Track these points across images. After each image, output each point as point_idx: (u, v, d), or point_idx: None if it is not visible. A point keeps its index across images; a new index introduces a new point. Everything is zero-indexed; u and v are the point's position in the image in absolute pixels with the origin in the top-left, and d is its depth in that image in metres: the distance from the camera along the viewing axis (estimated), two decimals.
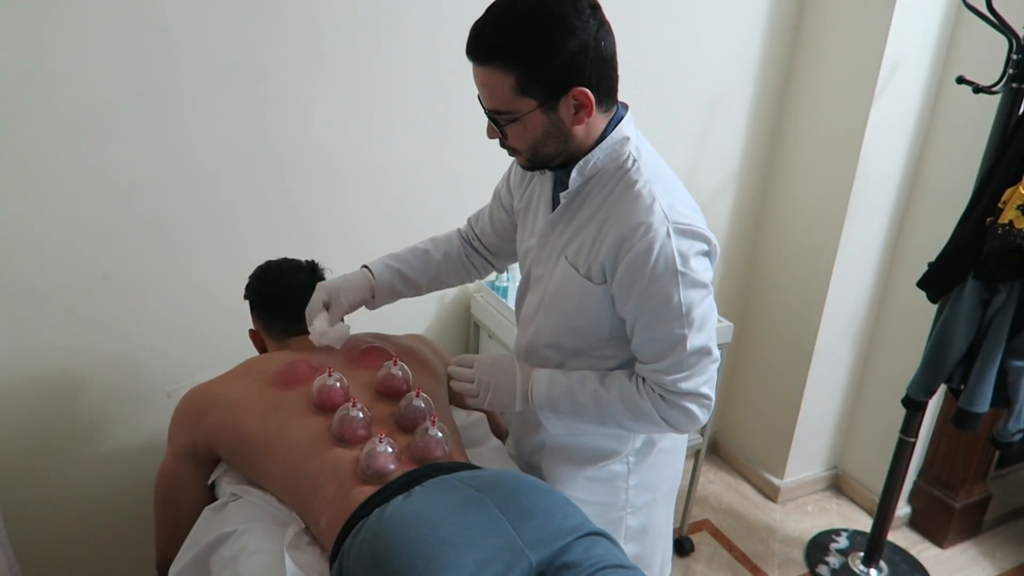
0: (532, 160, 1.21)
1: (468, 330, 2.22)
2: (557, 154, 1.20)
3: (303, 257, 1.66)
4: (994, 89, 1.83)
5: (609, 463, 1.42)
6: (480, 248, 1.60)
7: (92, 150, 1.59)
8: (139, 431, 1.86)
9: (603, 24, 1.10)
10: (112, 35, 1.53)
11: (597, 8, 1.10)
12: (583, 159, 1.20)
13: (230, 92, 1.68)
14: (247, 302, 1.63)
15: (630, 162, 1.20)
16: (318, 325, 1.41)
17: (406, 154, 1.93)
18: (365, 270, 1.50)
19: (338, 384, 1.36)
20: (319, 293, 1.44)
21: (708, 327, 1.21)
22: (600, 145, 1.20)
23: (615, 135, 1.20)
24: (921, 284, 1.97)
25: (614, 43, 1.13)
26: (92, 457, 1.84)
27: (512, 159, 1.28)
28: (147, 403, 1.84)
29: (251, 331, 1.65)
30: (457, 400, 1.70)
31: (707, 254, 1.21)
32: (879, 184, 2.32)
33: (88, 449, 1.83)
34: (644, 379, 1.25)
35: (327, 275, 1.66)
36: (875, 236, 2.41)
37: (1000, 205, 1.75)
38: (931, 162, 2.32)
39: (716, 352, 1.23)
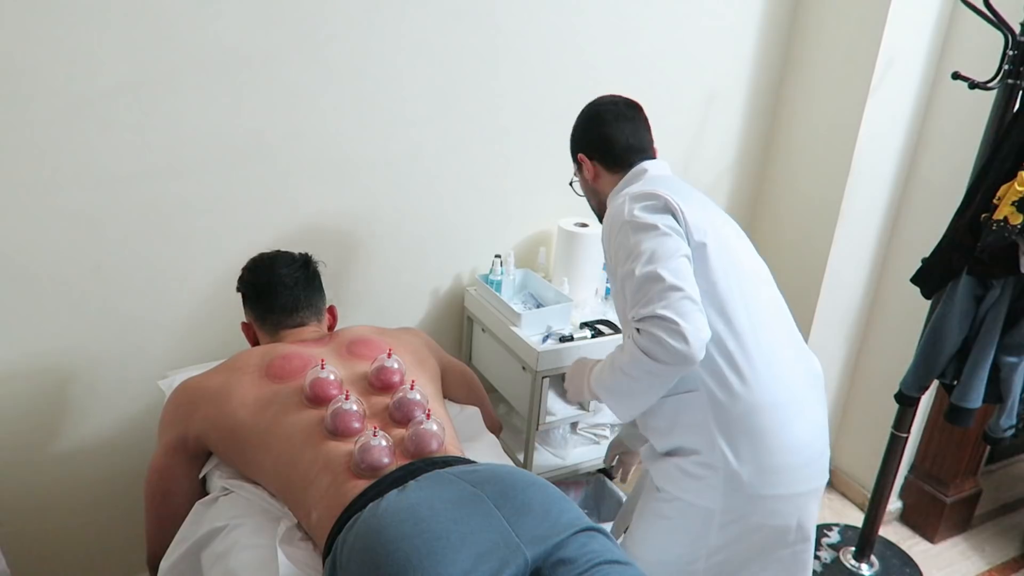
0: (594, 210, 1.68)
1: (462, 324, 2.21)
2: (597, 204, 1.65)
3: (296, 249, 1.65)
4: (989, 85, 1.82)
5: (699, 459, 1.42)
6: None
7: (82, 139, 1.57)
8: (130, 424, 1.84)
9: (618, 119, 1.56)
10: (103, 24, 1.51)
11: (622, 109, 1.57)
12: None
13: (222, 82, 1.66)
14: (240, 294, 1.61)
15: (643, 179, 1.53)
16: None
17: (400, 146, 1.92)
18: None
19: (332, 377, 1.35)
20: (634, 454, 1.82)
21: (658, 257, 1.32)
22: (613, 190, 1.57)
23: (634, 170, 1.54)
24: (915, 280, 1.97)
25: (631, 130, 1.56)
26: (82, 450, 1.82)
27: None
28: (138, 395, 1.82)
29: (244, 324, 1.63)
30: (450, 393, 1.70)
31: (659, 208, 1.39)
32: (873, 179, 2.32)
33: (78, 442, 1.81)
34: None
35: (321, 268, 1.64)
36: (869, 231, 2.41)
37: (995, 201, 1.75)
38: (926, 158, 2.32)
39: (673, 281, 1.29)
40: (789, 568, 1.53)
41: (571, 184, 1.71)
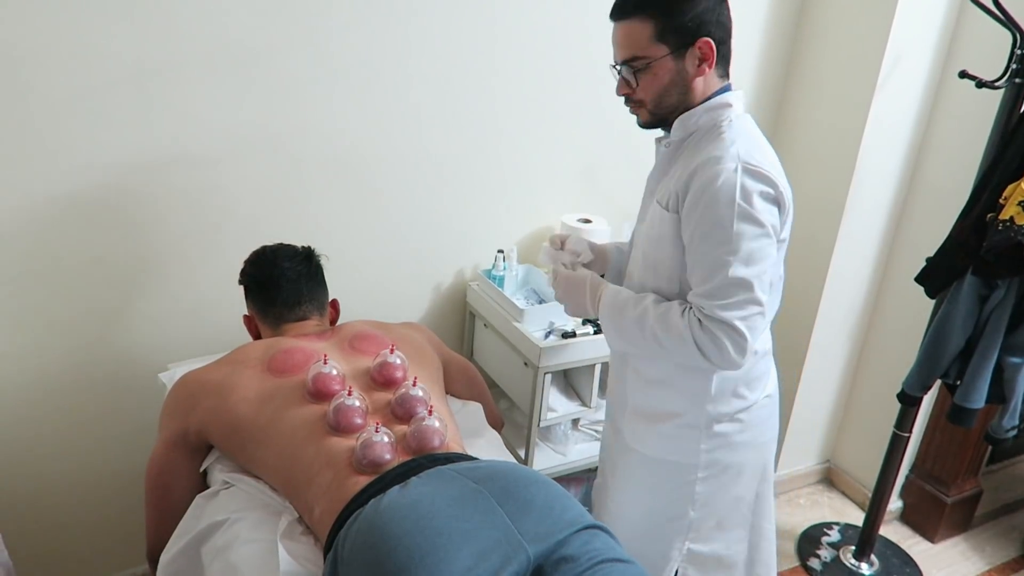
0: (654, 112, 1.34)
1: (464, 319, 2.21)
2: (677, 106, 1.33)
3: (299, 243, 1.64)
4: (997, 84, 1.82)
5: (682, 422, 1.44)
6: None
7: (84, 131, 1.56)
8: (130, 417, 1.84)
9: (724, 2, 1.29)
10: (106, 14, 1.50)
11: None
12: (687, 112, 1.32)
13: (227, 75, 1.65)
14: (242, 288, 1.61)
15: (726, 123, 1.31)
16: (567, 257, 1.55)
17: (404, 140, 1.91)
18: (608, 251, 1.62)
19: (334, 372, 1.35)
20: (586, 252, 1.56)
21: (756, 264, 1.25)
22: (705, 104, 1.32)
23: (721, 99, 1.32)
24: (919, 279, 1.97)
25: (731, 19, 1.30)
26: (82, 443, 1.81)
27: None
28: (139, 389, 1.82)
29: (245, 317, 1.63)
30: (452, 389, 1.69)
31: (772, 199, 1.27)
32: (878, 178, 2.31)
33: (78, 435, 1.80)
34: (691, 305, 1.30)
35: (323, 262, 1.64)
36: (873, 230, 2.40)
37: (1001, 201, 1.74)
38: (931, 157, 2.31)
39: (761, 296, 1.25)
40: (755, 506, 1.58)
41: (633, 68, 1.29)
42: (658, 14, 1.24)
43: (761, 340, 1.45)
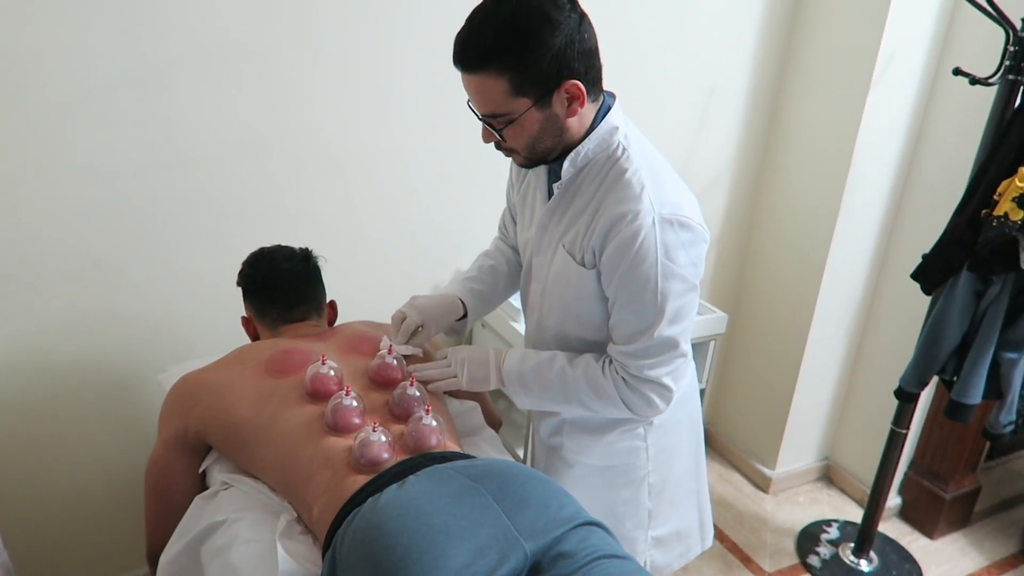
0: (530, 158, 1.24)
1: None
2: (553, 148, 1.23)
3: (297, 244, 1.65)
4: (990, 81, 1.82)
5: (628, 427, 1.44)
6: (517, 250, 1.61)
7: (80, 134, 1.57)
8: (129, 418, 1.85)
9: (583, 17, 1.13)
10: (101, 17, 1.51)
11: (575, 2, 1.12)
12: (574, 150, 1.23)
13: (221, 76, 1.66)
14: (240, 289, 1.61)
15: (620, 151, 1.23)
16: (400, 339, 1.43)
17: (401, 141, 1.92)
18: (455, 296, 1.50)
19: (332, 372, 1.35)
20: (413, 314, 1.44)
21: (682, 322, 1.24)
22: (590, 136, 1.22)
23: (604, 125, 1.23)
24: (915, 275, 1.98)
25: (595, 33, 1.15)
26: (81, 444, 1.82)
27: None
28: (138, 390, 1.82)
29: (244, 318, 1.63)
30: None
31: (695, 244, 1.22)
32: (874, 175, 2.32)
33: (77, 436, 1.81)
34: (611, 360, 1.28)
35: (321, 263, 1.64)
36: (869, 227, 2.41)
37: (995, 197, 1.75)
38: (926, 153, 2.32)
39: (685, 347, 1.26)
40: (696, 472, 1.61)
41: (499, 132, 1.18)
42: (509, 67, 1.09)
43: None
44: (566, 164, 1.24)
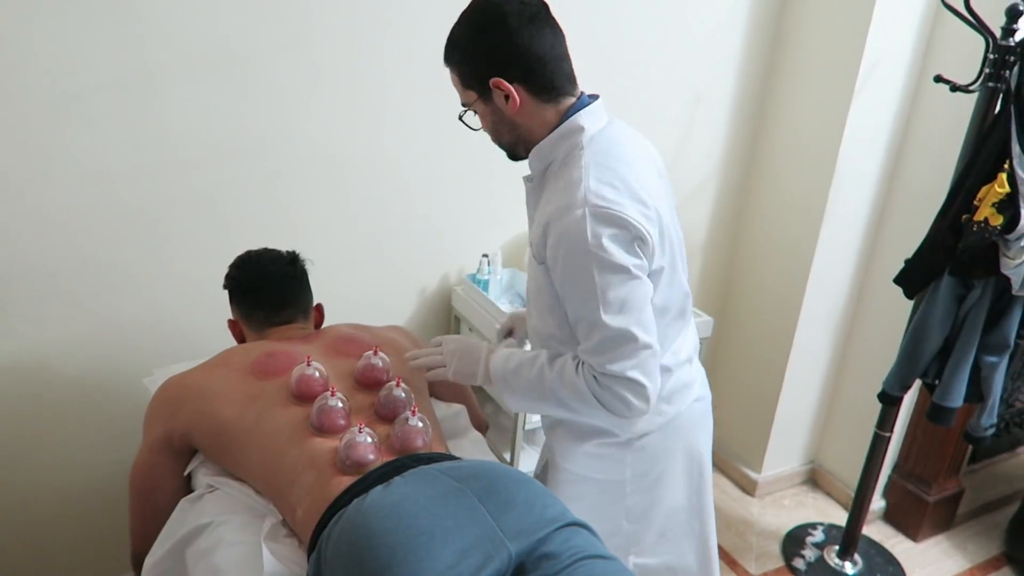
0: (503, 149, 1.35)
1: (449, 323, 2.22)
2: (514, 142, 1.31)
3: (284, 247, 1.65)
4: (971, 88, 1.85)
5: (607, 440, 1.42)
6: None
7: (70, 137, 1.57)
8: (114, 422, 1.84)
9: (534, 22, 1.19)
10: (90, 20, 1.51)
11: (535, 9, 1.21)
12: (538, 145, 1.28)
13: (211, 79, 1.66)
14: (226, 292, 1.61)
15: (578, 150, 1.25)
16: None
17: (388, 145, 1.92)
18: None
19: (317, 374, 1.35)
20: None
21: (630, 312, 1.20)
22: (555, 132, 1.26)
23: (567, 125, 1.26)
24: (898, 280, 2.00)
25: (552, 41, 1.22)
26: (66, 448, 1.81)
27: None
28: (123, 393, 1.82)
29: (230, 321, 1.63)
30: (436, 390, 1.70)
31: (625, 240, 1.19)
32: (858, 181, 2.34)
33: (62, 440, 1.80)
34: (583, 361, 1.26)
35: (308, 266, 1.65)
36: (853, 232, 2.43)
37: (976, 202, 1.78)
38: (909, 159, 2.35)
39: (646, 339, 1.21)
40: (699, 513, 1.56)
41: (461, 118, 1.33)
42: (455, 62, 1.25)
43: (682, 351, 1.43)
44: (531, 157, 1.31)
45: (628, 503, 1.47)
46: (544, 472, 1.56)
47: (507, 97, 1.22)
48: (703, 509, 1.57)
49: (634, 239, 1.20)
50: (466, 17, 1.22)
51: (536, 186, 1.34)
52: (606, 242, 1.17)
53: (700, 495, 1.55)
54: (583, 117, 1.26)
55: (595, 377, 1.23)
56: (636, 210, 1.20)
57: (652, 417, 1.39)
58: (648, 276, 1.23)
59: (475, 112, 1.29)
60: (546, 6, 1.23)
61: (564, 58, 1.25)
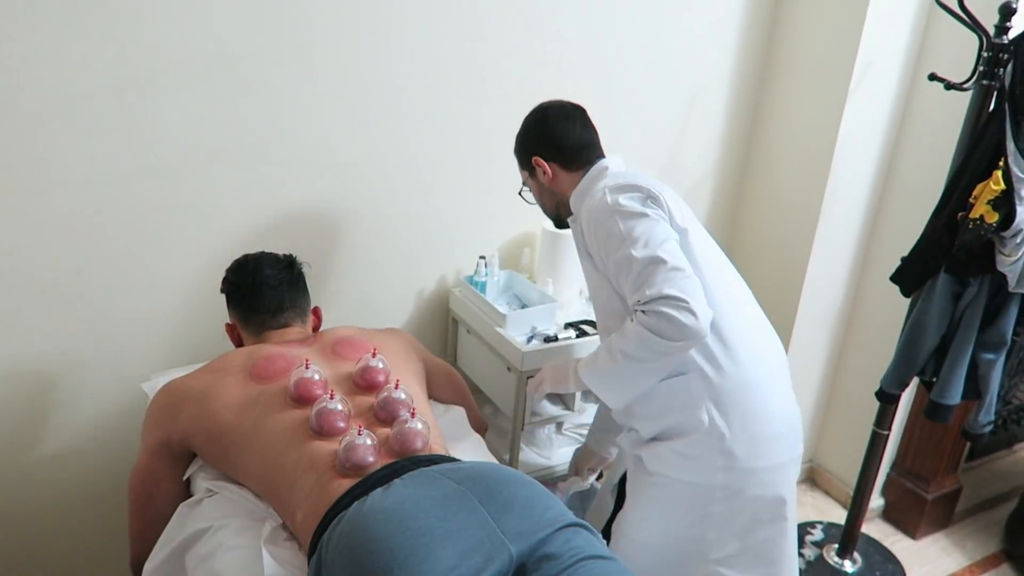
0: (547, 215, 1.72)
1: (447, 325, 2.21)
2: (555, 207, 1.67)
3: (281, 251, 1.65)
4: (965, 86, 1.85)
5: (694, 436, 1.47)
6: None
7: (66, 140, 1.56)
8: (113, 427, 1.83)
9: (568, 118, 1.61)
10: (87, 23, 1.50)
11: (570, 110, 1.62)
12: (574, 191, 1.61)
13: (208, 82, 1.66)
14: (224, 296, 1.61)
15: (602, 180, 1.56)
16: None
17: (386, 148, 1.92)
18: None
19: (316, 376, 1.35)
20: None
21: (654, 241, 1.38)
22: (584, 179, 1.60)
23: (595, 168, 1.59)
24: (894, 278, 2.00)
25: (581, 131, 1.61)
26: (65, 453, 1.80)
27: None
28: (121, 398, 1.81)
29: (228, 325, 1.63)
30: (435, 393, 1.70)
31: (640, 195, 1.45)
32: (853, 180, 2.35)
33: (60, 445, 1.79)
34: (634, 311, 1.38)
35: (305, 269, 1.64)
36: (849, 231, 2.44)
37: (971, 200, 1.78)
38: (904, 158, 2.36)
39: (677, 262, 1.36)
40: (781, 541, 1.58)
41: (520, 193, 1.74)
42: (515, 150, 1.68)
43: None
44: (571, 201, 1.62)
45: (713, 509, 1.50)
46: (622, 485, 1.66)
47: (544, 173, 1.60)
48: (789, 542, 1.60)
49: (647, 197, 1.45)
50: (525, 118, 1.65)
51: (575, 220, 1.60)
52: (623, 199, 1.44)
53: (786, 526, 1.58)
54: (608, 162, 1.60)
55: (641, 312, 1.34)
56: (646, 183, 1.47)
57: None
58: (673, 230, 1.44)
59: (528, 189, 1.70)
60: (582, 110, 1.63)
61: (592, 144, 1.61)
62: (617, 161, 1.62)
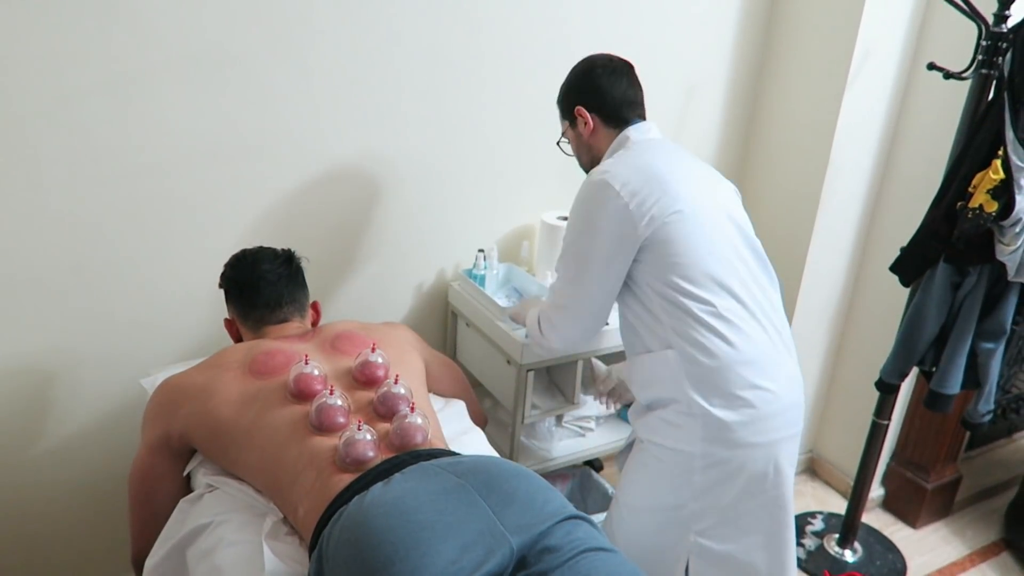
0: (582, 168, 1.71)
1: (446, 318, 2.21)
2: (590, 163, 1.67)
3: (279, 246, 1.64)
4: (964, 75, 1.85)
5: (677, 407, 1.50)
6: None
7: (61, 138, 1.56)
8: (112, 423, 1.83)
9: (614, 73, 1.61)
10: (81, 21, 1.50)
11: (617, 64, 1.63)
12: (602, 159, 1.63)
13: (204, 80, 1.65)
14: (222, 291, 1.61)
15: (622, 149, 1.58)
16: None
17: (382, 142, 1.92)
18: None
19: (315, 372, 1.35)
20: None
21: (576, 266, 1.55)
22: (608, 149, 1.62)
23: (619, 137, 1.61)
24: (893, 268, 2.00)
25: (625, 88, 1.61)
26: (64, 450, 1.81)
27: None
28: (120, 394, 1.81)
29: (226, 320, 1.63)
30: (435, 386, 1.70)
31: (601, 200, 1.48)
32: (852, 170, 2.34)
33: (60, 442, 1.80)
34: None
35: (304, 264, 1.64)
36: (848, 221, 2.43)
37: (970, 190, 1.78)
38: (903, 148, 2.35)
39: (570, 299, 1.58)
40: (771, 511, 1.57)
41: (558, 143, 1.75)
42: (558, 100, 1.69)
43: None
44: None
45: (695, 479, 1.50)
46: (626, 453, 1.73)
47: (584, 124, 1.61)
48: (781, 511, 1.58)
49: (607, 199, 1.47)
50: (572, 68, 1.66)
51: None
52: (597, 195, 1.49)
53: (777, 495, 1.56)
54: (631, 131, 1.60)
55: (541, 308, 1.67)
56: (623, 187, 1.46)
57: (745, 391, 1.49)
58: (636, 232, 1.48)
59: (567, 140, 1.71)
60: (630, 65, 1.64)
61: (635, 102, 1.63)
62: (647, 128, 1.62)
